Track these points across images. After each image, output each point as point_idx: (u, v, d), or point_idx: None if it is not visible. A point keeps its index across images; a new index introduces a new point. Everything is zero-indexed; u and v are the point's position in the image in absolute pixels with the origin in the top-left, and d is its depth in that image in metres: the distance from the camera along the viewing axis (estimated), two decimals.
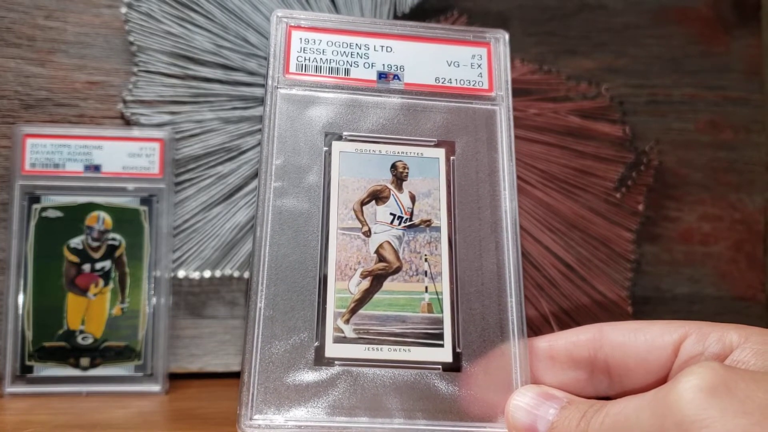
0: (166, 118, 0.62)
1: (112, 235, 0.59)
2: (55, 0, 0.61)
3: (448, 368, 0.40)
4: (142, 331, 0.59)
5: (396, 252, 0.42)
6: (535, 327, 0.63)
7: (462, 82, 0.46)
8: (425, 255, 0.42)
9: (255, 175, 0.62)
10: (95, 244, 0.59)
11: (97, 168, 0.59)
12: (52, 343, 0.57)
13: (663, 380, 0.37)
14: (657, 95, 0.69)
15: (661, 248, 0.68)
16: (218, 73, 0.62)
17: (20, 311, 0.57)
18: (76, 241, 0.58)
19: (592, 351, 0.39)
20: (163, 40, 0.62)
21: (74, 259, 0.58)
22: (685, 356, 0.37)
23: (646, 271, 0.68)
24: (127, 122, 0.62)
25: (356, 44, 0.46)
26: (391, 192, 0.43)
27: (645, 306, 0.67)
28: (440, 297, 0.41)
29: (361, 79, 0.45)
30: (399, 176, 0.43)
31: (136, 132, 0.61)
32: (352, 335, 0.40)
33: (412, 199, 0.43)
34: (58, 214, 0.59)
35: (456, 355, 0.40)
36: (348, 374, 0.39)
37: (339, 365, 0.39)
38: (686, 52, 0.70)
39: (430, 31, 0.47)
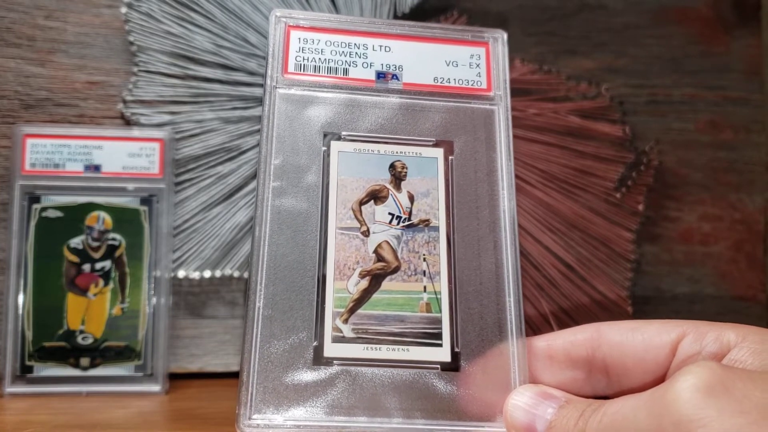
0: (166, 118, 0.62)
1: (112, 235, 0.59)
2: (55, 0, 0.62)
3: (446, 368, 0.40)
4: (142, 331, 0.59)
5: (394, 252, 0.42)
6: (535, 327, 0.63)
7: (460, 82, 0.46)
8: (424, 255, 0.42)
9: (255, 175, 0.62)
10: (95, 244, 0.59)
11: (97, 168, 0.59)
12: (52, 343, 0.57)
13: (661, 379, 0.37)
14: (657, 95, 0.69)
15: (661, 248, 0.68)
16: (218, 73, 0.62)
17: (20, 311, 0.57)
18: (76, 241, 0.59)
19: (590, 350, 0.39)
20: (163, 40, 0.62)
21: (74, 259, 0.58)
22: (683, 355, 0.37)
23: (646, 271, 0.68)
24: (127, 122, 0.62)
25: (355, 44, 0.46)
26: (390, 192, 0.43)
27: (645, 306, 0.67)
28: (439, 297, 0.41)
29: (360, 79, 0.45)
30: (397, 176, 0.43)
31: (136, 132, 0.61)
32: (351, 335, 0.40)
33: (411, 198, 0.43)
34: (58, 214, 0.59)
35: (454, 355, 0.40)
36: (347, 374, 0.39)
37: (338, 365, 0.39)
38: (686, 52, 0.70)
39: (429, 30, 0.47)
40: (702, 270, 0.69)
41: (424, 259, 0.42)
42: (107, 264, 0.59)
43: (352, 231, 0.42)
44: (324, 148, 0.43)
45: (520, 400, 0.38)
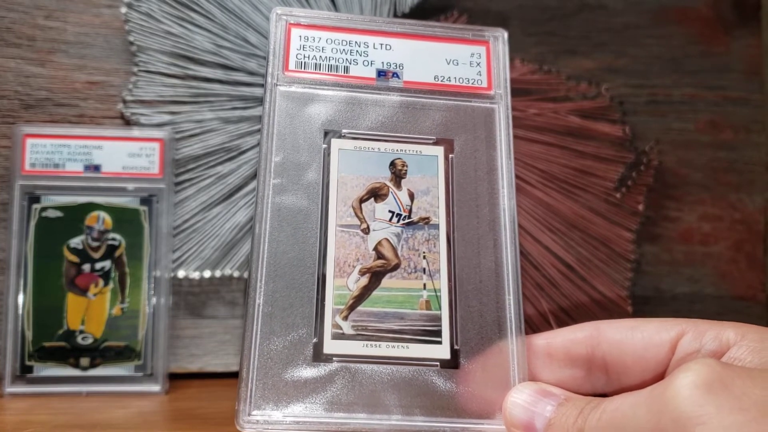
0: (166, 118, 0.62)
1: (112, 235, 0.59)
2: (55, 0, 0.62)
3: (446, 365, 0.40)
4: (142, 331, 0.59)
5: (394, 249, 0.42)
6: (535, 327, 0.63)
7: (461, 81, 0.46)
8: (424, 252, 0.42)
9: (255, 175, 0.62)
10: (95, 244, 0.59)
11: (97, 168, 0.59)
12: (52, 343, 0.57)
13: (660, 378, 0.37)
14: (657, 95, 0.69)
15: (661, 248, 0.68)
16: (218, 73, 0.62)
17: (20, 311, 0.57)
18: (76, 241, 0.59)
19: (590, 348, 0.39)
20: (163, 40, 0.62)
21: (74, 259, 0.58)
22: (682, 354, 0.37)
23: (646, 271, 0.68)
24: (127, 122, 0.62)
25: (355, 42, 0.46)
26: (390, 189, 0.43)
27: (645, 306, 0.67)
28: (438, 294, 0.41)
29: (361, 77, 0.45)
30: (398, 174, 0.43)
31: (136, 132, 0.61)
32: (351, 332, 0.40)
33: (411, 196, 0.43)
34: (58, 214, 0.59)
35: (454, 352, 0.40)
36: (346, 371, 0.39)
37: (337, 362, 0.39)
38: (686, 52, 0.70)
39: (429, 29, 0.47)
40: (702, 270, 0.69)
41: (424, 257, 0.42)
42: (107, 264, 0.59)
43: (352, 228, 0.42)
44: (324, 146, 0.43)
45: (520, 398, 0.38)
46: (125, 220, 0.59)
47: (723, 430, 0.27)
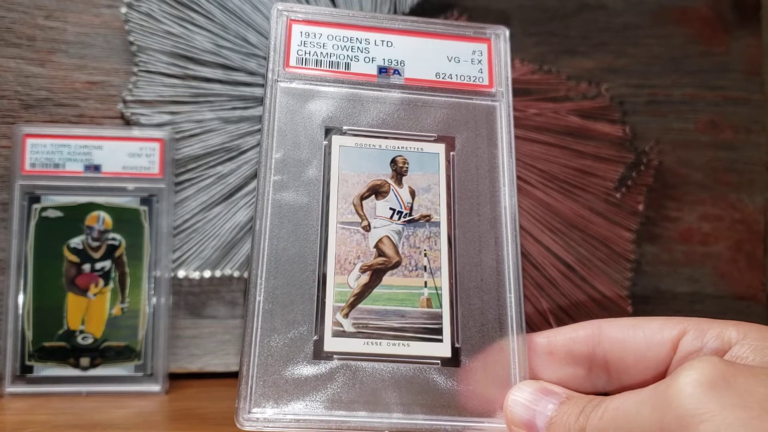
0: (166, 118, 0.62)
1: (112, 235, 0.59)
2: (55, 0, 0.62)
3: (446, 363, 0.40)
4: (142, 331, 0.59)
5: (395, 247, 0.42)
6: (535, 326, 0.63)
7: (462, 78, 0.46)
8: (425, 250, 0.42)
9: (255, 175, 0.62)
10: (95, 244, 0.59)
11: (97, 168, 0.59)
12: (52, 343, 0.57)
13: (661, 376, 0.37)
14: (657, 95, 0.69)
15: (661, 248, 0.68)
16: (218, 73, 0.62)
17: (20, 311, 0.57)
18: (76, 241, 0.59)
19: (591, 347, 0.39)
20: (163, 40, 0.62)
21: (74, 259, 0.58)
22: (684, 352, 0.37)
23: (646, 271, 0.68)
24: (127, 122, 0.62)
25: (357, 38, 0.46)
26: (391, 187, 0.43)
27: (645, 306, 0.67)
28: (439, 292, 0.41)
29: (362, 74, 0.45)
30: (399, 171, 0.43)
31: (136, 132, 0.61)
32: (351, 329, 0.40)
33: (412, 194, 0.43)
34: (58, 214, 0.59)
35: (455, 351, 0.40)
36: (347, 368, 0.39)
37: (338, 359, 0.39)
38: (686, 52, 0.70)
39: (431, 26, 0.47)
40: (702, 270, 0.69)
41: (425, 255, 0.42)
42: (107, 264, 0.59)
43: (353, 226, 0.42)
44: (325, 143, 0.43)
45: (521, 396, 0.38)
46: (125, 220, 0.59)
47: (726, 427, 0.27)
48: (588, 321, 0.40)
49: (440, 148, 0.44)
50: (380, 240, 0.42)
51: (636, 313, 0.66)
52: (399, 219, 0.42)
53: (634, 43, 0.69)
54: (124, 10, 0.62)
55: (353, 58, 0.45)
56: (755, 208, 0.70)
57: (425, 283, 0.41)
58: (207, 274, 0.62)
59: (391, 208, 0.43)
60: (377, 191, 0.43)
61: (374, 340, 0.39)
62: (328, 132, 0.43)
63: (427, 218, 0.43)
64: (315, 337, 0.39)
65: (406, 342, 0.40)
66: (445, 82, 0.46)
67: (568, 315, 0.64)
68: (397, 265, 0.41)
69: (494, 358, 0.40)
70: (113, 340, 0.58)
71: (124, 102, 0.62)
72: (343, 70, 0.45)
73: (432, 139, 0.44)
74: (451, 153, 0.44)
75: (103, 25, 0.62)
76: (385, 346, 0.39)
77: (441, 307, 0.41)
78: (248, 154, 0.63)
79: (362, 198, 0.42)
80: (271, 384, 0.38)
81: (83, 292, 0.58)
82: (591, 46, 0.69)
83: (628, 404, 0.31)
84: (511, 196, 0.43)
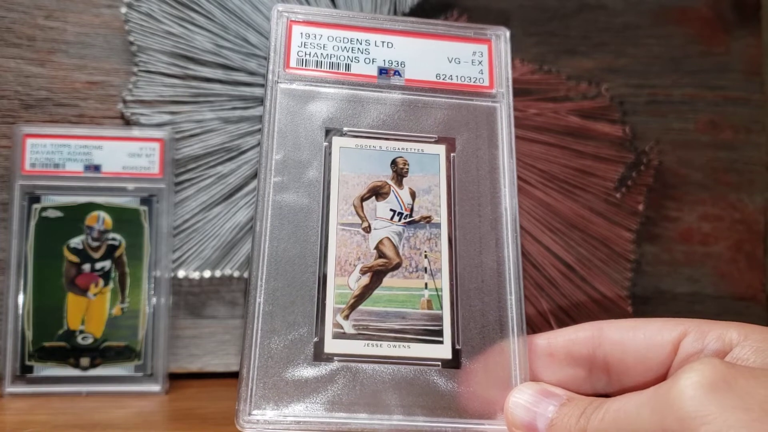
0: (166, 118, 0.62)
1: (112, 235, 0.59)
2: (55, 0, 0.62)
3: (447, 365, 0.40)
4: (142, 331, 0.59)
5: (396, 248, 0.42)
6: (536, 327, 0.63)
7: (463, 79, 0.46)
8: (425, 251, 0.42)
9: (255, 175, 0.62)
10: (95, 244, 0.59)
11: (97, 168, 0.59)
12: (52, 343, 0.57)
13: (662, 378, 0.37)
14: (657, 95, 0.69)
15: (661, 248, 0.68)
16: (218, 73, 0.62)
17: (20, 311, 0.57)
18: (76, 241, 0.58)
19: (591, 348, 0.39)
20: (163, 40, 0.62)
21: (74, 259, 0.58)
22: (685, 354, 0.37)
23: (646, 271, 0.68)
24: (127, 122, 0.62)
25: (357, 39, 0.46)
26: (392, 188, 0.43)
27: (645, 306, 0.67)
28: (440, 294, 0.41)
29: (362, 75, 0.45)
30: (399, 172, 0.43)
31: (136, 132, 0.61)
32: (352, 331, 0.40)
33: (412, 195, 0.43)
34: (58, 214, 0.59)
35: (455, 352, 0.40)
36: (347, 370, 0.39)
37: (338, 361, 0.39)
38: (686, 52, 0.70)
39: (431, 27, 0.47)
40: (702, 270, 0.69)
41: (426, 256, 0.42)
42: (107, 264, 0.59)
43: (353, 227, 0.42)
44: (325, 144, 0.43)
45: (521, 398, 0.38)
46: (125, 220, 0.59)
47: (727, 429, 0.27)
48: (588, 322, 0.40)
49: (441, 149, 0.44)
50: (381, 241, 0.42)
51: (636, 313, 0.66)
52: (399, 220, 0.42)
53: (634, 43, 0.69)
54: (124, 10, 0.62)
55: (353, 59, 0.45)
56: (755, 208, 0.70)
57: (426, 284, 0.41)
58: (207, 274, 0.62)
59: (391, 210, 0.43)
60: (378, 192, 0.43)
61: (375, 342, 0.39)
62: (328, 133, 0.43)
63: (427, 219, 0.43)
64: (315, 339, 0.39)
65: (406, 344, 0.40)
66: (446, 83, 0.46)
67: (568, 315, 0.64)
68: (397, 266, 0.41)
69: (495, 359, 0.40)
70: (113, 340, 0.58)
71: (124, 102, 0.62)
72: (344, 71, 0.45)
73: (432, 140, 0.44)
74: (452, 154, 0.44)
75: (103, 25, 0.62)
76: (386, 348, 0.39)
77: (441, 308, 0.41)
78: (248, 154, 0.63)
79: (363, 199, 0.42)
80: (272, 386, 0.38)
81: (83, 292, 0.58)
82: (591, 46, 0.69)
83: (628, 406, 0.31)
84: (512, 197, 0.43)
